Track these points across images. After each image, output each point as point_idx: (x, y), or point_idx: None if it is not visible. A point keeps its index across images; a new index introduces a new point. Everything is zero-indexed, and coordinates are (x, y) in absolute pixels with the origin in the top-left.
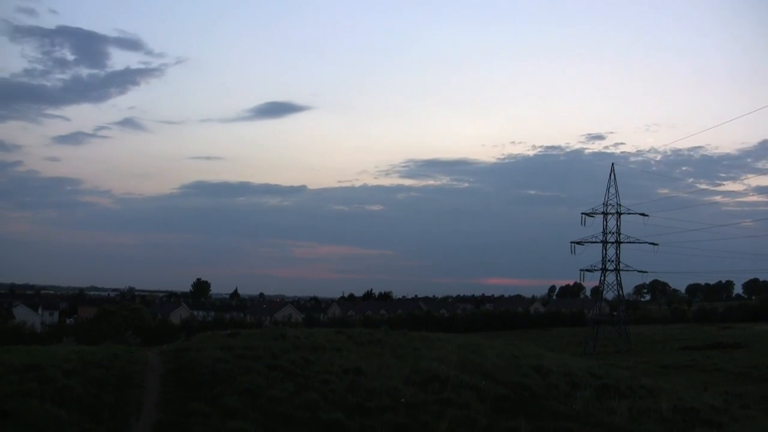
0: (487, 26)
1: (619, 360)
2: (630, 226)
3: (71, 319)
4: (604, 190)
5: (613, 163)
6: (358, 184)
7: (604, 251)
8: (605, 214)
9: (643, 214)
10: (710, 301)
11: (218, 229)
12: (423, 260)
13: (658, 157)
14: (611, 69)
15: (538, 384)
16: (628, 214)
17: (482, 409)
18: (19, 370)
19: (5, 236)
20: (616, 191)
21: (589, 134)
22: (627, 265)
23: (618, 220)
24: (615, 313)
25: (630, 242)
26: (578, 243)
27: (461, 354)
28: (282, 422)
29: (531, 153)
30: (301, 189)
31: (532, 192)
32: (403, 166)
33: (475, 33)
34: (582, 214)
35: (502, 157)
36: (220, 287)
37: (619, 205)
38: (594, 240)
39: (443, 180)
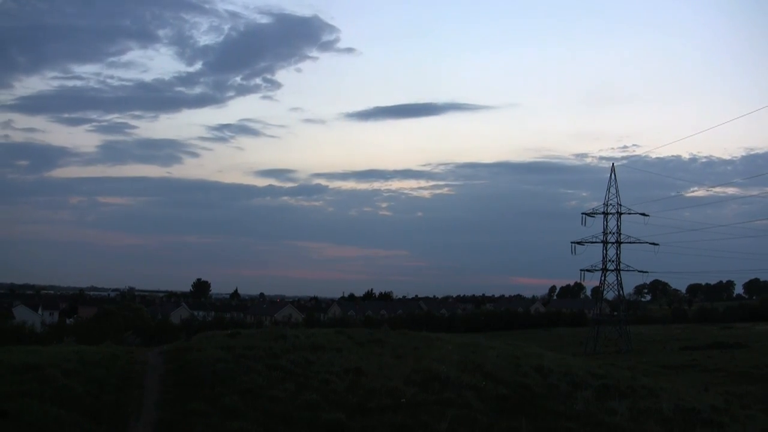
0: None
1: (620, 360)
2: (630, 226)
3: (71, 319)
4: (614, 193)
5: (613, 164)
6: (376, 185)
7: (604, 251)
8: (606, 214)
9: (643, 214)
10: (711, 301)
11: (222, 230)
12: (441, 261)
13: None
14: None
15: (539, 384)
16: (629, 214)
17: (483, 409)
18: (19, 370)
19: (7, 236)
20: (617, 191)
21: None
22: (627, 265)
23: (618, 220)
24: (615, 313)
25: (630, 242)
26: (579, 243)
27: (461, 354)
28: (282, 422)
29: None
30: (321, 188)
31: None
32: (442, 167)
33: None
34: (582, 214)
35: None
36: (220, 287)
37: (620, 205)
38: (594, 240)
39: (481, 181)
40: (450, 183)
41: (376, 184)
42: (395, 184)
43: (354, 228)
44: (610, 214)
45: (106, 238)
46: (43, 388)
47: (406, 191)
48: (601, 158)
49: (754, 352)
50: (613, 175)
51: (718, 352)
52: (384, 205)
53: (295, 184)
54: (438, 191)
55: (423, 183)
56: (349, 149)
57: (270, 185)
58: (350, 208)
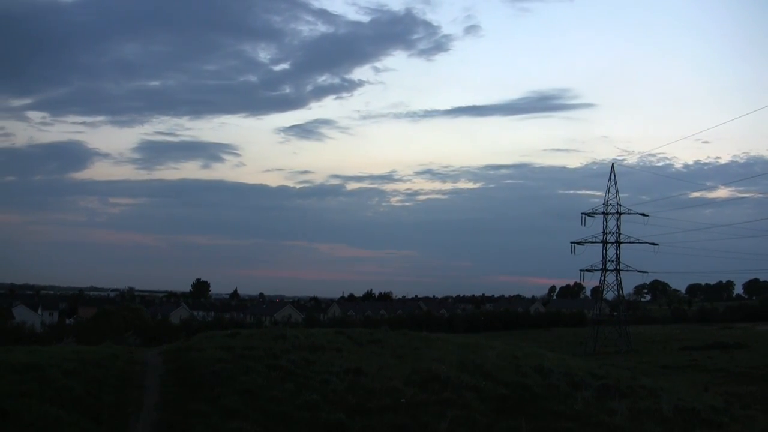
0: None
1: (620, 360)
2: (630, 226)
3: (71, 320)
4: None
5: (613, 164)
6: (395, 186)
7: (604, 251)
8: (605, 214)
9: (643, 214)
10: (710, 302)
11: (224, 230)
12: (444, 262)
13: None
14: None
15: (539, 384)
16: (628, 214)
17: (482, 410)
18: (19, 370)
19: (6, 236)
20: (617, 191)
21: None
22: (627, 266)
23: (618, 220)
24: (615, 314)
25: (630, 242)
26: (578, 243)
27: (461, 354)
28: (282, 422)
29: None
30: (337, 189)
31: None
32: (464, 169)
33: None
34: (582, 214)
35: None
36: (219, 287)
37: (620, 205)
38: (594, 240)
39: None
40: (470, 186)
41: (395, 186)
42: (416, 185)
43: (360, 229)
44: (610, 214)
45: (106, 238)
46: (43, 388)
47: (424, 193)
48: (641, 159)
49: (754, 352)
50: (612, 175)
51: (718, 352)
52: (397, 206)
53: (310, 185)
54: (459, 193)
55: (449, 185)
56: (385, 150)
57: (283, 186)
58: (363, 208)
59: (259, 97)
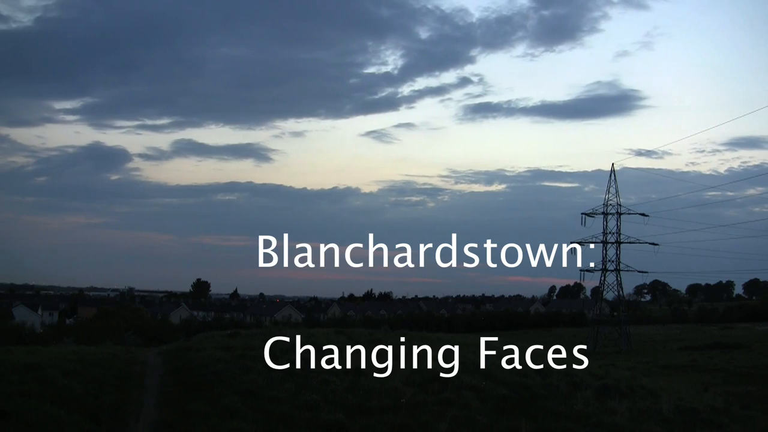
0: None
1: (620, 360)
2: (631, 226)
3: (71, 320)
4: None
5: (613, 164)
6: (412, 187)
7: (604, 251)
8: (605, 214)
9: (643, 215)
10: (711, 302)
11: (225, 230)
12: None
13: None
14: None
15: (539, 384)
16: (628, 214)
17: (482, 410)
18: (19, 370)
19: (6, 236)
20: (617, 192)
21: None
22: (627, 266)
23: (618, 220)
24: (615, 314)
25: (630, 242)
26: (579, 243)
27: (461, 354)
28: (282, 422)
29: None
30: (349, 191)
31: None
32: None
33: None
34: (582, 214)
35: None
36: (219, 287)
37: (620, 205)
38: (594, 240)
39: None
40: (500, 188)
41: (417, 188)
42: (440, 187)
43: (369, 230)
44: (610, 214)
45: (107, 238)
46: (43, 388)
47: (445, 194)
48: (690, 163)
49: (754, 352)
50: (612, 175)
51: (718, 352)
52: (416, 208)
53: (324, 188)
54: (480, 196)
55: (481, 187)
56: (423, 153)
57: (303, 188)
58: (378, 210)
59: (349, 99)
